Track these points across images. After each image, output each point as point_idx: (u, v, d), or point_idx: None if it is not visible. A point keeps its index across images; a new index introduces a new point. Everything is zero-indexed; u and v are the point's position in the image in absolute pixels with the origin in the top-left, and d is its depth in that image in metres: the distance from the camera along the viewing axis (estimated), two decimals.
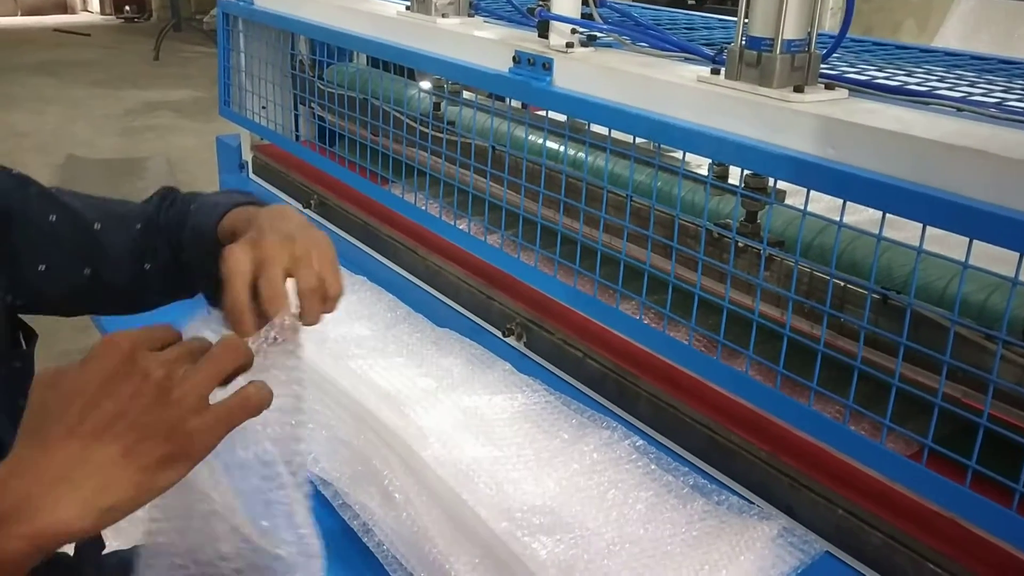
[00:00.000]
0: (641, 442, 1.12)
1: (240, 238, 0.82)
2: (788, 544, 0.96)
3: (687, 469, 1.08)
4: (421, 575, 1.08)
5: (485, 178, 1.38)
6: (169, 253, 1.00)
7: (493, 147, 1.38)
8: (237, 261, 0.76)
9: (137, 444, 0.62)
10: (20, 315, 1.00)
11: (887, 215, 0.86)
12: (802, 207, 0.94)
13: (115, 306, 1.06)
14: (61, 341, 2.42)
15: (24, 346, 0.99)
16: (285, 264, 0.77)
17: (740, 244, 1.09)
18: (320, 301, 0.79)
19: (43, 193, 1.00)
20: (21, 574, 0.60)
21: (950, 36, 2.95)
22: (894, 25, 3.88)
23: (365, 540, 1.17)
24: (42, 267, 0.98)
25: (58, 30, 9.79)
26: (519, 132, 1.45)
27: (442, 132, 1.48)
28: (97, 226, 1.01)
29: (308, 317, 0.77)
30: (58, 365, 0.67)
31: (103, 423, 0.62)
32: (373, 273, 1.67)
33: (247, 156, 2.18)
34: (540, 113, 1.43)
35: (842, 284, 1.02)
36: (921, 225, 0.83)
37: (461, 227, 1.45)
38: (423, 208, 1.52)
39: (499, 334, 1.41)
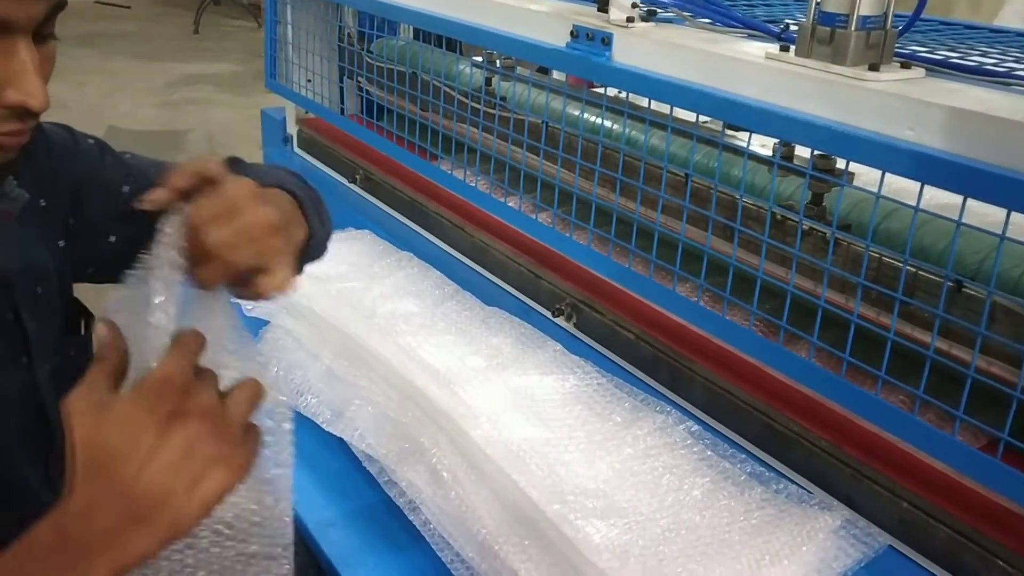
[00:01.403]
0: (696, 427, 1.10)
1: None
2: (851, 536, 0.93)
3: (744, 456, 1.06)
4: (469, 554, 1.07)
5: (537, 155, 1.35)
6: None
7: (546, 124, 1.35)
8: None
9: (204, 479, 0.65)
10: (82, 283, 0.99)
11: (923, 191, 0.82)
12: (867, 190, 0.92)
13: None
14: None
15: (83, 331, 0.99)
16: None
17: (805, 227, 1.06)
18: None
19: (119, 162, 1.00)
20: None
21: (1011, 17, 2.88)
22: (946, 5, 3.78)
23: (411, 518, 1.15)
24: (112, 238, 0.98)
25: (98, 2, 9.84)
26: (573, 109, 1.42)
27: (494, 108, 1.46)
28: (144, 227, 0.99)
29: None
30: (85, 394, 0.68)
31: (172, 462, 0.65)
32: (419, 250, 1.65)
33: (292, 129, 2.17)
34: (595, 89, 1.41)
35: (914, 270, 0.99)
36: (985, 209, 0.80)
37: (511, 205, 1.43)
38: (472, 185, 1.50)
39: (548, 314, 1.39)
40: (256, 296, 0.82)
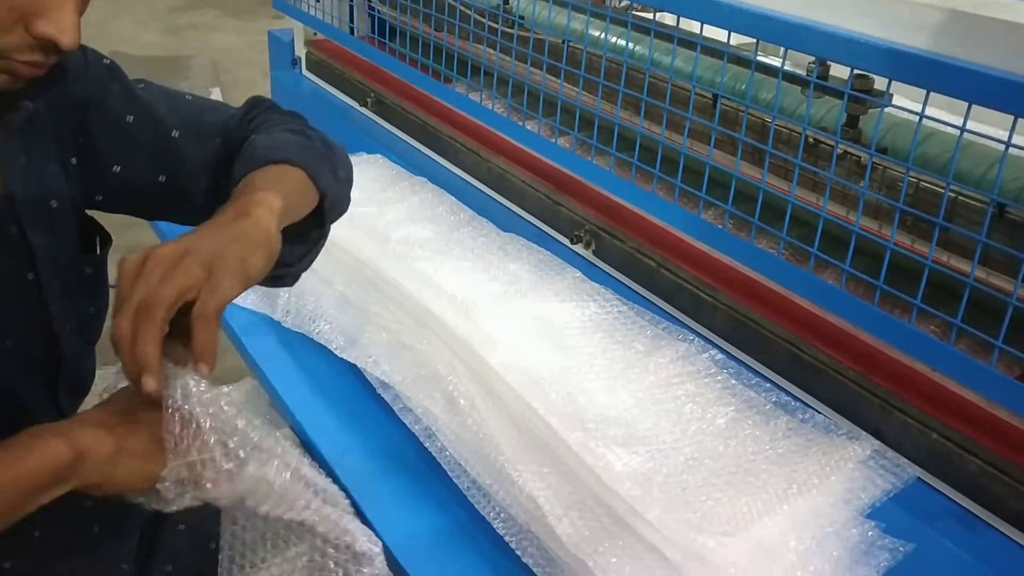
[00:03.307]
0: (720, 356, 1.08)
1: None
2: (880, 467, 0.91)
3: (769, 386, 1.04)
4: (486, 482, 1.05)
5: (557, 77, 1.31)
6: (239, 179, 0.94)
7: (567, 43, 1.30)
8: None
9: None
10: (96, 211, 0.97)
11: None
12: (909, 108, 0.87)
13: (186, 216, 1.01)
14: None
15: (98, 251, 0.96)
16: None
17: (839, 151, 1.02)
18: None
19: (127, 90, 0.96)
20: None
21: None
22: None
23: (427, 445, 1.14)
24: (116, 168, 0.95)
25: None
26: (596, 29, 1.37)
27: (511, 27, 1.40)
28: (176, 134, 0.96)
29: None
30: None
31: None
32: (432, 175, 1.61)
33: (300, 52, 2.11)
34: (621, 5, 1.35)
35: (954, 195, 0.95)
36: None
37: (530, 128, 1.38)
38: (489, 108, 1.45)
39: (566, 242, 1.36)
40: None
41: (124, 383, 0.72)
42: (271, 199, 0.79)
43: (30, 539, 0.85)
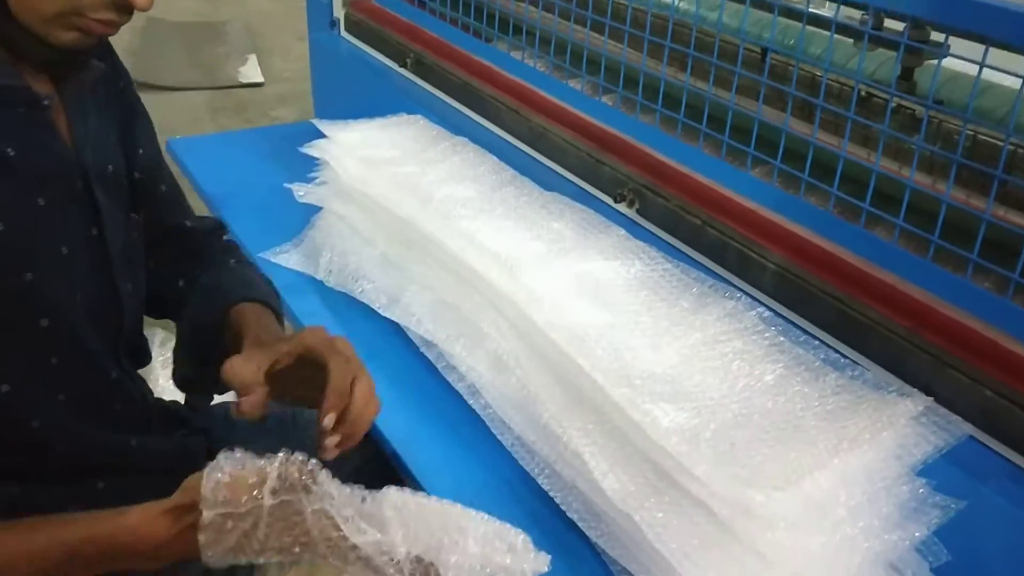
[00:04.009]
0: (768, 313, 1.06)
1: (246, 336, 0.93)
2: (932, 424, 0.90)
3: (817, 343, 1.02)
4: (531, 438, 1.06)
5: (601, 34, 1.29)
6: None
7: None
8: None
9: None
10: None
11: None
12: (969, 58, 0.85)
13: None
14: None
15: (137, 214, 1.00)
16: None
17: (889, 105, 1.00)
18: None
19: (150, 127, 1.04)
20: None
21: None
22: None
23: (471, 402, 1.15)
24: (141, 150, 1.01)
25: None
26: None
27: None
28: (163, 188, 1.06)
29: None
30: None
31: None
32: (473, 135, 1.60)
33: (339, 13, 2.10)
34: None
35: (1013, 147, 0.93)
36: None
37: (573, 86, 1.37)
38: (531, 66, 1.44)
39: (609, 201, 1.35)
40: None
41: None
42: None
43: None
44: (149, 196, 1.02)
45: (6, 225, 0.75)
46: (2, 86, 0.78)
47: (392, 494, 0.78)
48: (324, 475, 0.75)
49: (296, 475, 0.72)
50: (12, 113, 0.80)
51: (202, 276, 1.06)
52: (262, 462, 0.73)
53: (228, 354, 0.90)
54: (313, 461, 0.75)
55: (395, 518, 0.76)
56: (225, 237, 1.15)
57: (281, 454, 0.74)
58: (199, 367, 1.04)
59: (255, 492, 0.71)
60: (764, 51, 1.14)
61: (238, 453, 0.75)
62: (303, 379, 0.89)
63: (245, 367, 0.86)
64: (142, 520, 0.74)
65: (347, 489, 0.76)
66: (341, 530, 0.73)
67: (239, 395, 0.84)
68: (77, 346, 0.84)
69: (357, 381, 0.87)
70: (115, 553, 0.73)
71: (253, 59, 4.66)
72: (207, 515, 0.71)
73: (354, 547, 0.73)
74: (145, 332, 1.04)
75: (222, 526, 0.71)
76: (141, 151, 1.00)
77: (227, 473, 0.72)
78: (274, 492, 0.71)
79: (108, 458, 0.91)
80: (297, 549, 0.73)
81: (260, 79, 4.44)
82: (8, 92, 0.79)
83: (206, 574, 0.83)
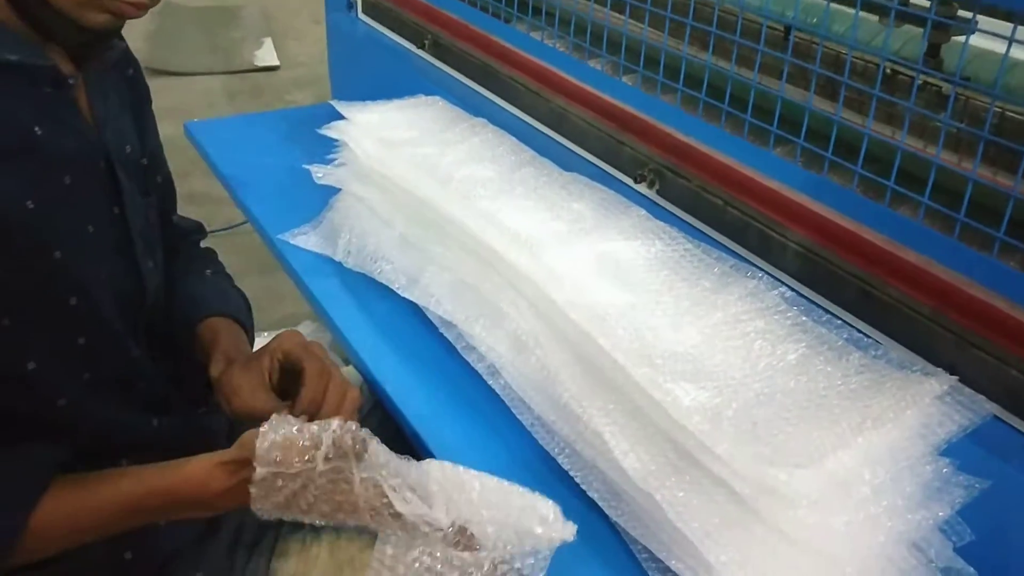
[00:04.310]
0: (790, 293, 1.06)
1: (213, 352, 0.99)
2: (956, 403, 0.89)
3: (840, 323, 1.02)
4: (551, 418, 1.06)
5: (621, 13, 1.28)
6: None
7: None
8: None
9: None
10: None
11: None
12: (997, 33, 0.84)
13: None
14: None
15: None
16: None
17: (916, 82, 0.99)
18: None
19: (155, 122, 1.07)
20: None
21: None
22: None
23: (491, 383, 1.15)
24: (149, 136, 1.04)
25: None
26: None
27: None
28: (158, 179, 1.09)
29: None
30: None
31: None
32: (492, 117, 1.60)
33: None
34: None
35: None
36: None
37: (593, 66, 1.36)
38: (551, 46, 1.43)
39: (629, 181, 1.34)
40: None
41: None
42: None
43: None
44: (151, 183, 1.04)
45: (34, 203, 0.76)
46: (30, 65, 0.78)
47: (435, 466, 0.82)
48: (375, 445, 0.77)
49: (349, 443, 0.75)
50: (39, 92, 0.80)
51: (180, 283, 1.09)
52: (316, 428, 0.75)
53: (195, 364, 0.97)
54: (365, 430, 0.77)
55: (439, 492, 0.79)
56: (202, 243, 1.19)
57: (336, 421, 0.76)
58: None
59: (307, 456, 0.74)
60: (787, 29, 1.12)
61: (292, 417, 0.79)
62: (282, 382, 0.94)
63: (254, 398, 0.89)
64: (200, 471, 0.78)
65: (395, 459, 0.79)
66: (387, 498, 0.75)
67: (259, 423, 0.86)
68: (102, 325, 0.85)
69: (331, 381, 0.92)
70: (175, 503, 0.78)
71: (269, 43, 4.66)
72: (260, 472, 0.75)
73: (398, 515, 0.75)
74: None
75: (272, 484, 0.74)
76: (149, 137, 1.03)
77: (281, 435, 0.75)
78: (327, 458, 0.74)
79: (130, 438, 0.91)
80: (341, 515, 0.76)
81: (276, 63, 4.44)
82: (36, 71, 0.79)
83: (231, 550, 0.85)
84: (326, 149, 1.44)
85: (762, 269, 1.14)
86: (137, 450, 0.92)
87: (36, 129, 0.78)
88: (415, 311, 1.27)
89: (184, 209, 1.22)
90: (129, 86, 0.98)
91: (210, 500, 0.79)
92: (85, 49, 0.85)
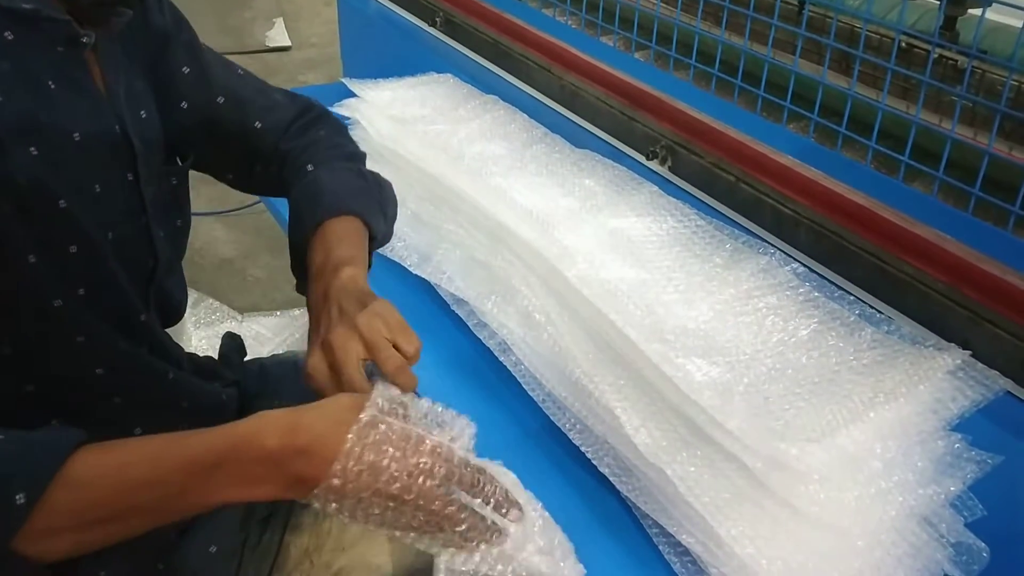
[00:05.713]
0: (802, 269, 1.06)
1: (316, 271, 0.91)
2: (969, 378, 0.89)
3: (852, 298, 1.01)
4: (562, 394, 1.06)
5: None
6: (278, 184, 1.06)
7: None
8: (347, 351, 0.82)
9: None
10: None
11: None
12: (1014, 4, 0.83)
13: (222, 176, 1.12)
14: None
15: (180, 162, 0.99)
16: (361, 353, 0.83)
17: (931, 55, 0.98)
18: (405, 370, 0.84)
19: (191, 43, 1.02)
20: None
21: None
22: None
23: (502, 359, 1.15)
24: (184, 104, 1.00)
25: None
26: None
27: None
28: (220, 100, 1.04)
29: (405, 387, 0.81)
30: None
31: None
32: (503, 94, 1.60)
33: None
34: None
35: None
36: None
37: (605, 42, 1.35)
38: (562, 22, 1.42)
39: (641, 158, 1.34)
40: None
41: None
42: (359, 268, 0.93)
43: None
44: (205, 115, 1.01)
45: (40, 152, 0.75)
46: (46, 17, 0.78)
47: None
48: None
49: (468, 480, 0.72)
50: (52, 51, 0.80)
51: (294, 182, 1.04)
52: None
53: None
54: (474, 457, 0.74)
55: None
56: (311, 117, 1.12)
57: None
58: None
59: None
60: (802, 3, 1.12)
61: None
62: None
63: (320, 367, 0.84)
64: (274, 419, 0.73)
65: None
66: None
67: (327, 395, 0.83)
68: (105, 280, 0.84)
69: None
70: (231, 460, 0.71)
71: (280, 23, 4.65)
72: (368, 412, 0.72)
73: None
74: None
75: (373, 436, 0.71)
76: (185, 70, 0.99)
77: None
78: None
79: (147, 382, 0.90)
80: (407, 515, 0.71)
81: (287, 43, 4.43)
82: (51, 25, 0.78)
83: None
84: None
85: (774, 245, 1.14)
86: (154, 406, 0.91)
87: (50, 83, 0.78)
88: (427, 288, 1.27)
89: (198, 188, 1.20)
90: (142, 36, 0.94)
91: (277, 457, 0.71)
92: (95, 10, 0.84)
